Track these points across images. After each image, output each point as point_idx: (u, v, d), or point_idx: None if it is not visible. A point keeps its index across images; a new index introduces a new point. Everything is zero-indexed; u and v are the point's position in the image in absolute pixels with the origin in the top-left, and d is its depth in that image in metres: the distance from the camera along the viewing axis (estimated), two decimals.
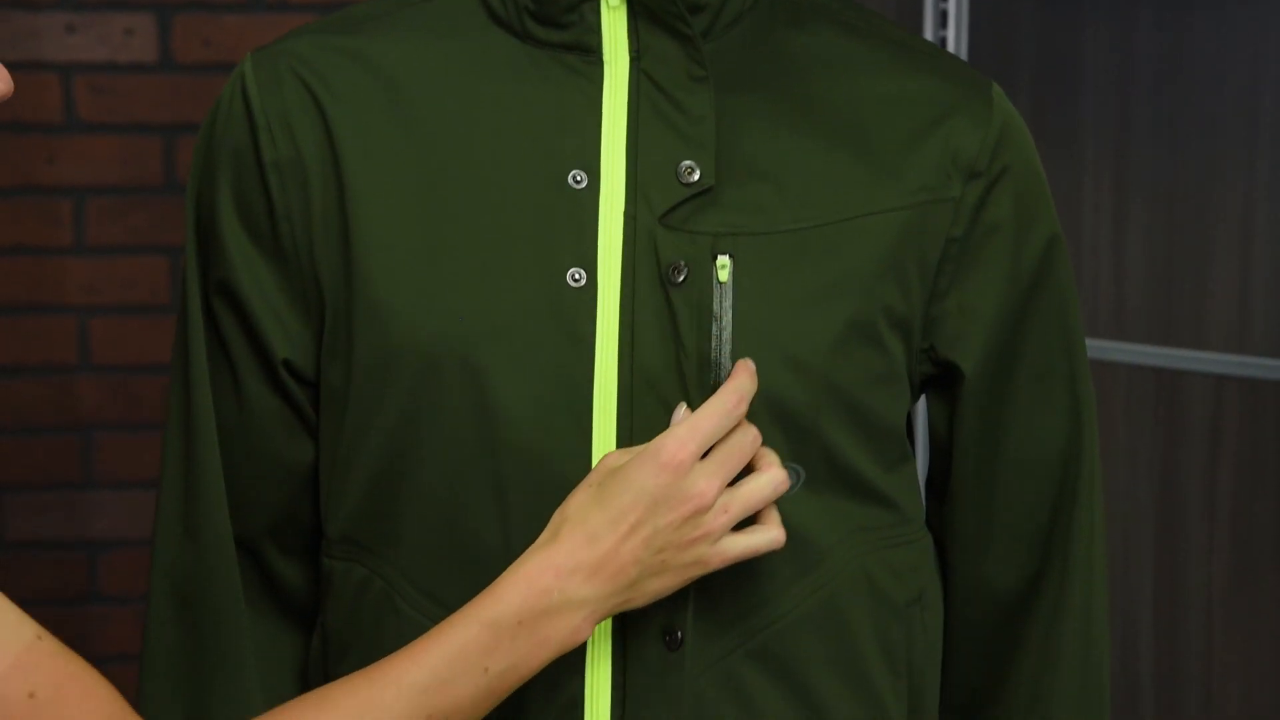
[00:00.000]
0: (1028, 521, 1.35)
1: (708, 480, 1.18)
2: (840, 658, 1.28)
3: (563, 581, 1.17)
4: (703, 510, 1.18)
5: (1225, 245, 2.60)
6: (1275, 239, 2.59)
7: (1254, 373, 2.52)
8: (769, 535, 1.21)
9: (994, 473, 1.34)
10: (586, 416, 1.24)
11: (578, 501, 1.20)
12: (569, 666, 1.25)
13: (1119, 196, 2.69)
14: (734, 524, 1.20)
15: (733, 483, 1.20)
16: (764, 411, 1.24)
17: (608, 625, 1.25)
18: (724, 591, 1.25)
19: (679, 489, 1.18)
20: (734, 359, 1.23)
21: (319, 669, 1.34)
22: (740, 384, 1.20)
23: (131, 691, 1.29)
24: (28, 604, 2.89)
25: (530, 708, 1.25)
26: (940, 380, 1.35)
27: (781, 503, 1.25)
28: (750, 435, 1.20)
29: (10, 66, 2.78)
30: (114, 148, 2.84)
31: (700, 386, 1.23)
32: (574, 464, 1.23)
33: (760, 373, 1.23)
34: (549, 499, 1.23)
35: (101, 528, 2.93)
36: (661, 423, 1.23)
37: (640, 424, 1.23)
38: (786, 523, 1.25)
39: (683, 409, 1.21)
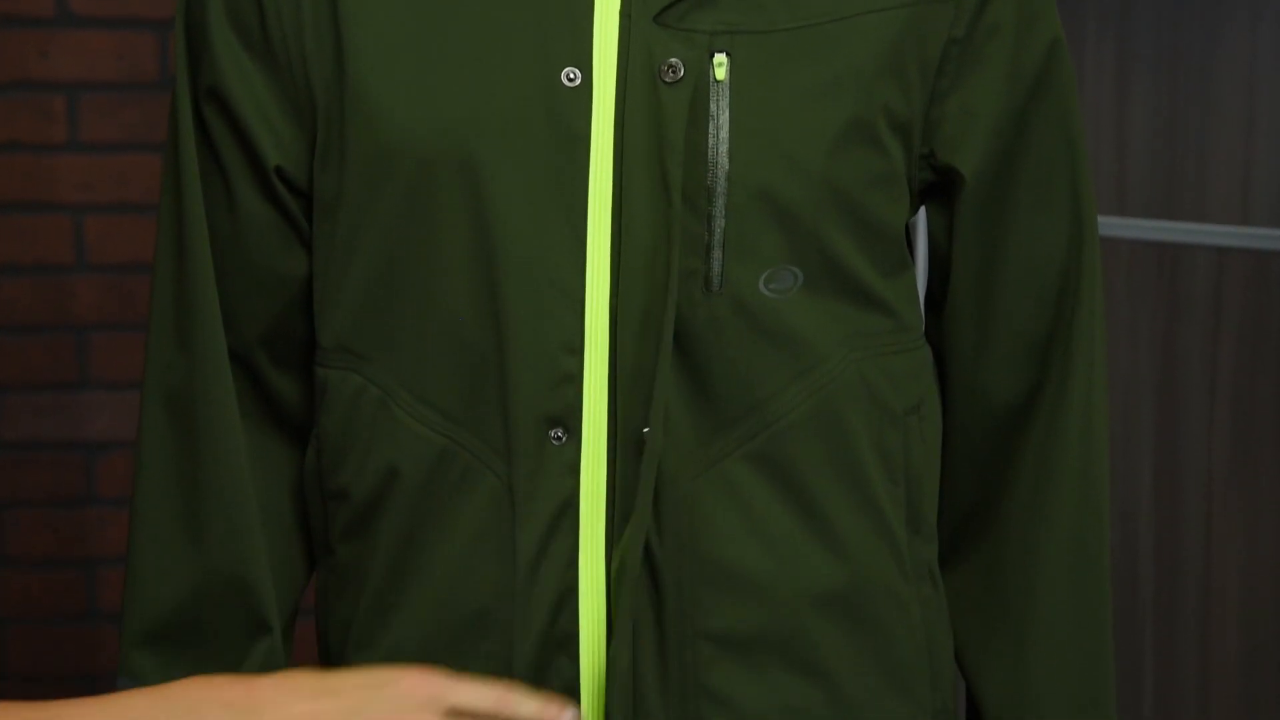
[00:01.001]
0: (1027, 330, 1.33)
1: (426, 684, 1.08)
2: (837, 462, 1.27)
3: (251, 698, 1.05)
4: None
5: (1228, 115, 2.58)
6: (1278, 107, 2.57)
7: (1257, 243, 2.50)
8: None
9: (993, 280, 1.33)
10: (581, 216, 1.22)
11: None
12: (566, 467, 1.24)
13: (1120, 68, 2.67)
14: None
15: None
16: (763, 211, 1.23)
17: (600, 428, 1.24)
18: (719, 392, 1.25)
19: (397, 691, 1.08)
20: (732, 159, 1.22)
21: (314, 481, 1.33)
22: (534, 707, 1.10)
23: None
24: (26, 506, 2.87)
25: (525, 515, 1.24)
26: (940, 188, 1.33)
27: (779, 304, 1.24)
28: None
29: None
30: (108, 42, 2.82)
31: (696, 187, 1.22)
32: (567, 265, 1.22)
33: (759, 172, 1.22)
34: (542, 300, 1.23)
35: (98, 429, 2.91)
36: (654, 223, 1.21)
37: (632, 222, 1.22)
38: (783, 324, 1.24)
39: None
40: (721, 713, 1.26)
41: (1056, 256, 1.33)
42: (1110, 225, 2.64)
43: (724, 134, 1.21)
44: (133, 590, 1.31)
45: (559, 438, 1.24)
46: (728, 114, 1.21)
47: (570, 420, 1.24)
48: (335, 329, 1.29)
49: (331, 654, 1.34)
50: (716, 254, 1.23)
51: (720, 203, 1.22)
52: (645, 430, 1.22)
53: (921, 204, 1.35)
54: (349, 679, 1.08)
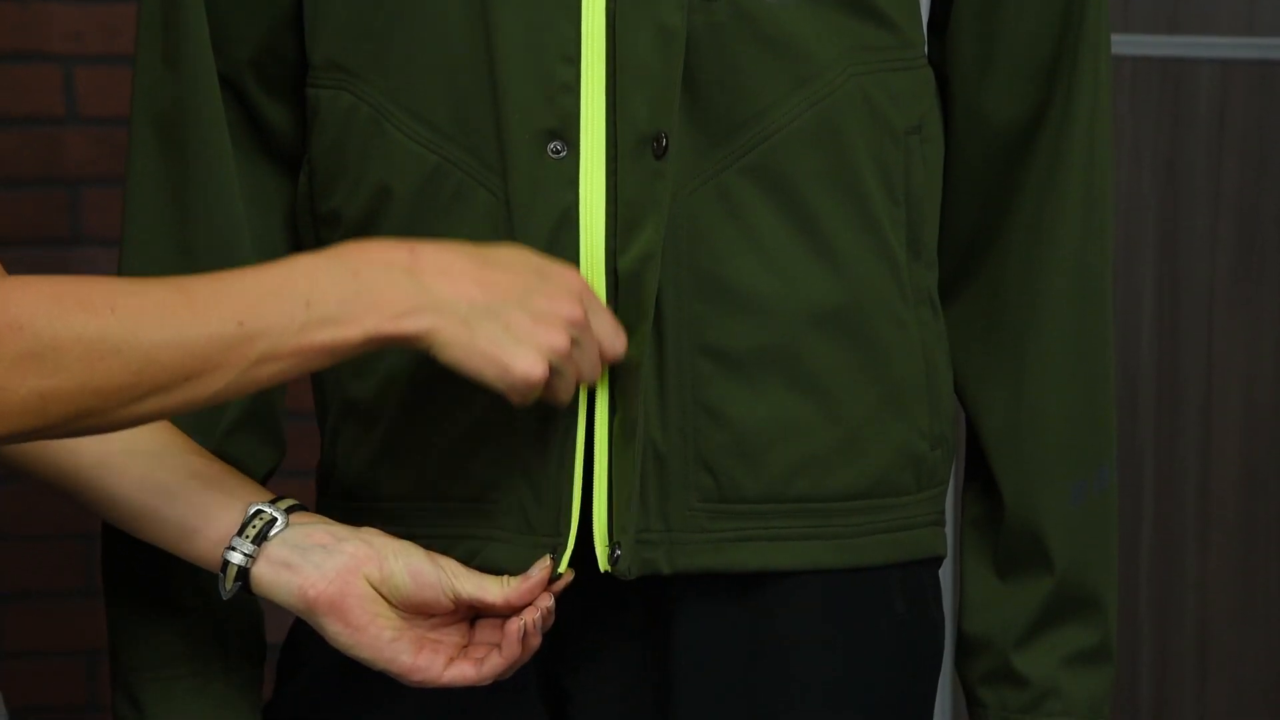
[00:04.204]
0: (1031, 49, 1.30)
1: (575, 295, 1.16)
2: (837, 177, 1.24)
3: (416, 262, 1.12)
4: (564, 315, 1.16)
5: None
6: None
7: (1263, 54, 2.47)
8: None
9: None
10: None
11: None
12: (565, 180, 1.21)
13: None
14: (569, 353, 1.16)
15: None
16: None
17: (598, 137, 1.21)
18: (716, 102, 1.22)
19: (554, 281, 1.16)
20: None
21: (305, 206, 1.31)
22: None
23: None
24: None
25: (524, 229, 1.22)
26: None
27: (780, 11, 1.22)
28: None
29: None
30: None
31: None
32: None
33: None
34: (537, 8, 1.20)
35: None
36: None
37: None
38: (783, 33, 1.22)
39: None
40: (719, 429, 1.24)
41: None
42: (1114, 43, 2.62)
43: None
44: None
45: (558, 150, 1.21)
46: None
47: (568, 131, 1.21)
48: (326, 45, 1.26)
49: (327, 386, 1.31)
50: None
51: None
52: (661, 132, 1.19)
53: None
54: (513, 257, 1.16)
